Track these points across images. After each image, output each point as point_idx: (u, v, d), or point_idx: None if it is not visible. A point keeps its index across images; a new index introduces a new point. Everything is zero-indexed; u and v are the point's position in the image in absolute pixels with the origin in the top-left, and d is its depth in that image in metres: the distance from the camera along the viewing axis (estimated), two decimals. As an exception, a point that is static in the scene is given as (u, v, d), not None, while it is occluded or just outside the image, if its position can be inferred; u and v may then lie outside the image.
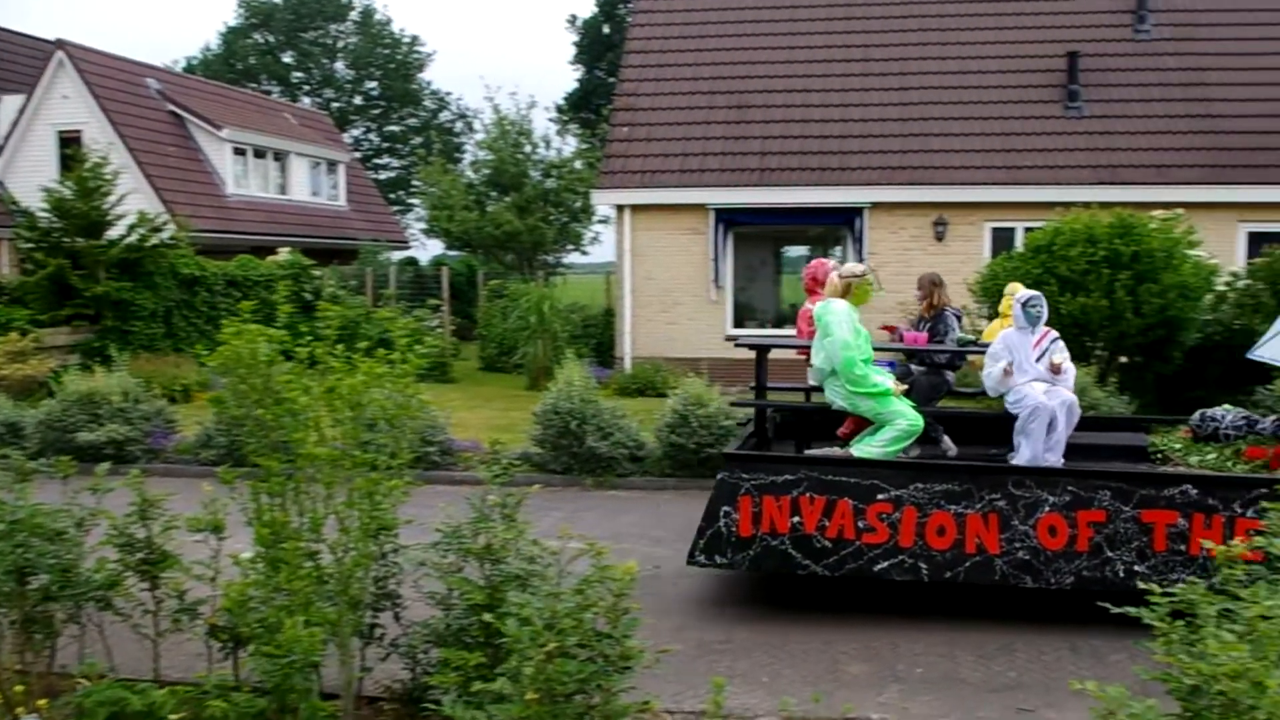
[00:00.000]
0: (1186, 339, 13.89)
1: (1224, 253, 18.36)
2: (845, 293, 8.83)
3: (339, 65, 62.68)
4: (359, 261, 28.86)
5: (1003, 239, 20.05)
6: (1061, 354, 8.97)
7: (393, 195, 58.35)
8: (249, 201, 31.09)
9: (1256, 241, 19.22)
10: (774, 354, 20.37)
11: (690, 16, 24.08)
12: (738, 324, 21.51)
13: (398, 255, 34.51)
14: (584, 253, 36.83)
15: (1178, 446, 9.22)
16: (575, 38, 53.73)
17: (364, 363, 5.25)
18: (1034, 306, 8.89)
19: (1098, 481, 7.53)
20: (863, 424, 8.95)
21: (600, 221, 34.29)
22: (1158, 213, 14.69)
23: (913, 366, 10.22)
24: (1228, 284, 14.59)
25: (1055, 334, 9.13)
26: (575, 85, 53.03)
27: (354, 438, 5.18)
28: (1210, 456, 8.72)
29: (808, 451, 9.07)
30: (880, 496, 7.71)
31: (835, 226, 21.42)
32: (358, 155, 49.58)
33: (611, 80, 37.45)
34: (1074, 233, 13.88)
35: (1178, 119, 20.86)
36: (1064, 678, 6.72)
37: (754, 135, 21.61)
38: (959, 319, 10.53)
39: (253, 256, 24.13)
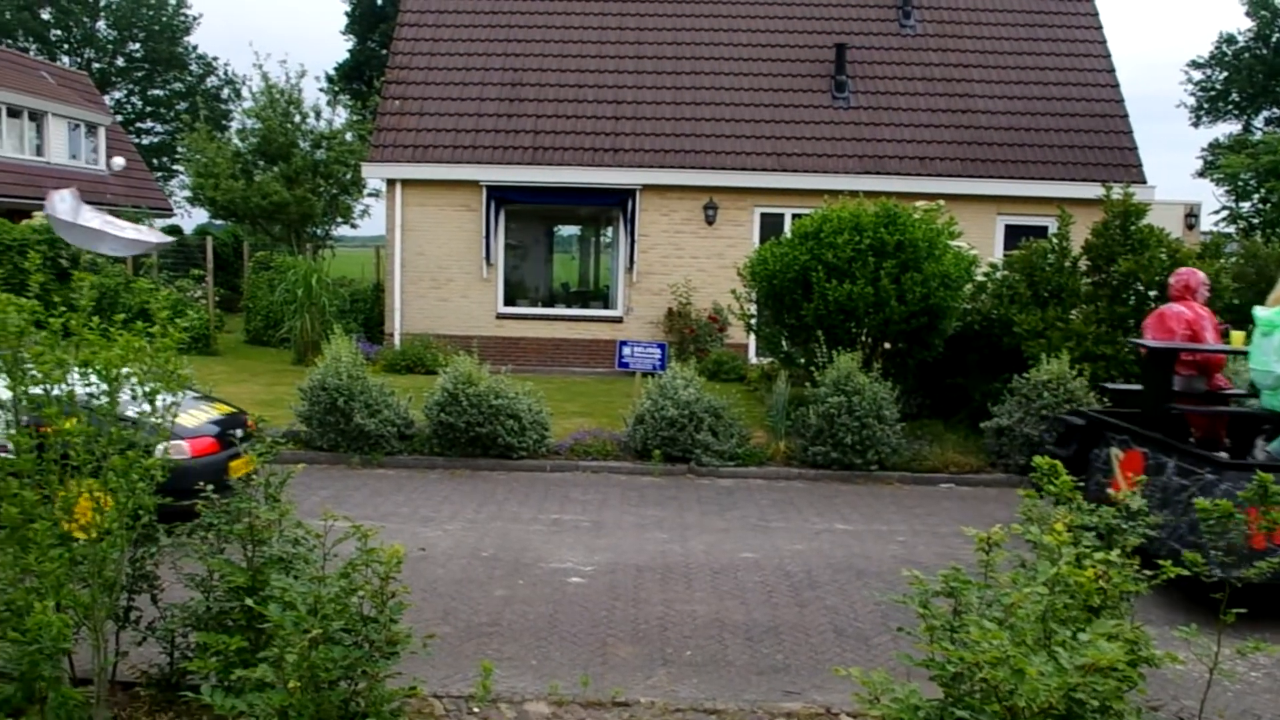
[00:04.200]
0: (947, 327, 14.40)
1: (983, 244, 19.41)
2: None
3: (100, 24, 59.45)
4: (120, 228, 27.37)
5: (772, 224, 20.64)
6: None
7: (156, 161, 55.80)
8: (2, 162, 29.22)
9: (1014, 233, 20.36)
10: (578, 334, 20.62)
11: (466, -9, 23.80)
12: (509, 302, 21.46)
13: (160, 223, 32.93)
14: (354, 226, 36.12)
15: None
16: (347, 8, 52.46)
17: (122, 335, 5.01)
18: None
19: None
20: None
21: (371, 195, 33.61)
22: (921, 203, 15.21)
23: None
24: (986, 274, 15.22)
25: None
26: (347, 56, 51.74)
27: (110, 413, 4.94)
28: None
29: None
30: None
31: (608, 207, 21.61)
32: (119, 119, 47.11)
33: (384, 52, 36.69)
34: (841, 221, 14.22)
35: (939, 113, 21.87)
36: (830, 661, 6.97)
37: (527, 114, 21.56)
38: None
39: (6, 220, 22.63)
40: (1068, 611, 4.16)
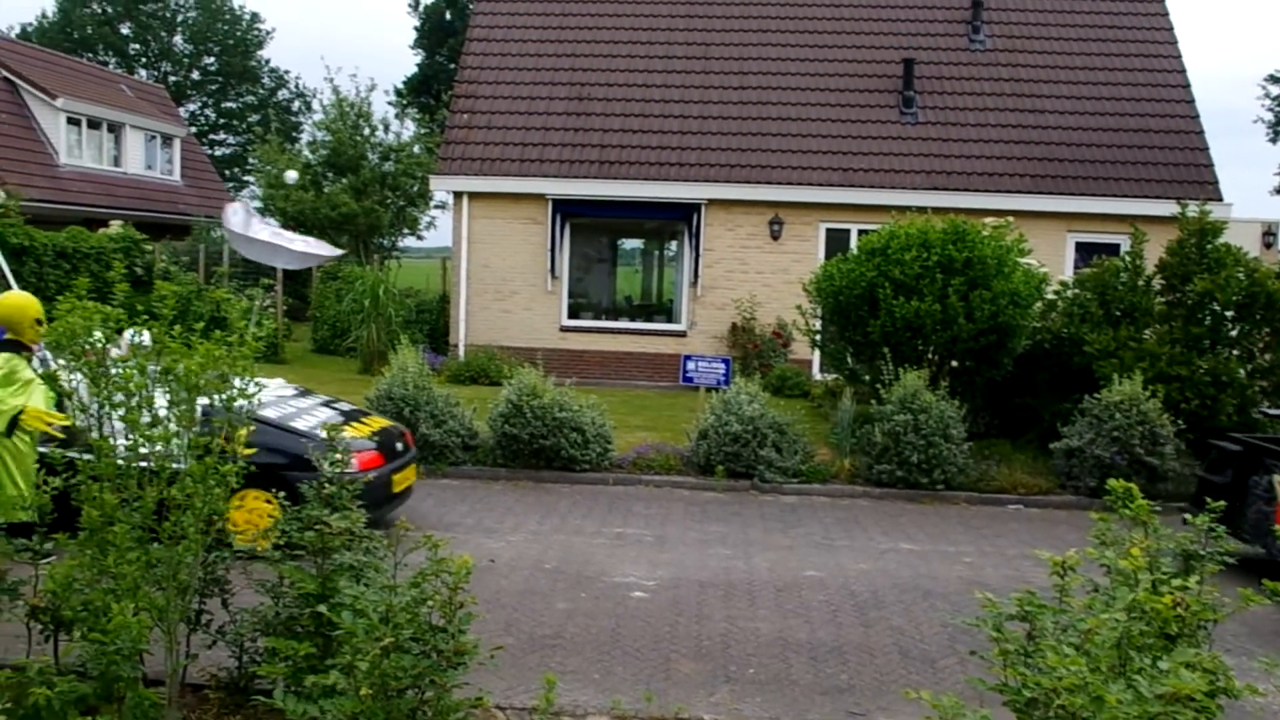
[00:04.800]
0: (1016, 346, 14.24)
1: (1053, 262, 19.12)
2: None
3: (177, 39, 61.19)
4: (192, 238, 28.03)
5: (838, 240, 20.51)
6: None
7: (228, 172, 56.93)
8: (82, 172, 29.99)
9: (1085, 251, 20.06)
10: (641, 348, 20.66)
11: (533, 7, 23.96)
12: (573, 315, 21.54)
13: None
14: (420, 237, 36.56)
15: None
16: (417, 22, 53.14)
17: (202, 344, 5.09)
18: None
19: None
20: None
21: (437, 207, 34.01)
22: (990, 220, 15.05)
23: None
24: (1057, 293, 15.03)
25: None
26: (416, 70, 52.36)
27: (190, 420, 5.01)
28: None
29: None
30: None
31: (673, 221, 21.61)
32: (193, 130, 48.19)
33: (452, 66, 37.12)
34: (909, 237, 14.11)
35: (1009, 128, 21.61)
36: (895, 682, 6.89)
37: (594, 128, 21.66)
38: None
39: (83, 228, 23.16)
40: (1144, 639, 4.07)
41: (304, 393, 10.69)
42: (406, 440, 10.56)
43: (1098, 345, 13.54)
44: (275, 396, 9.95)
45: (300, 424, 9.29)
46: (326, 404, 10.59)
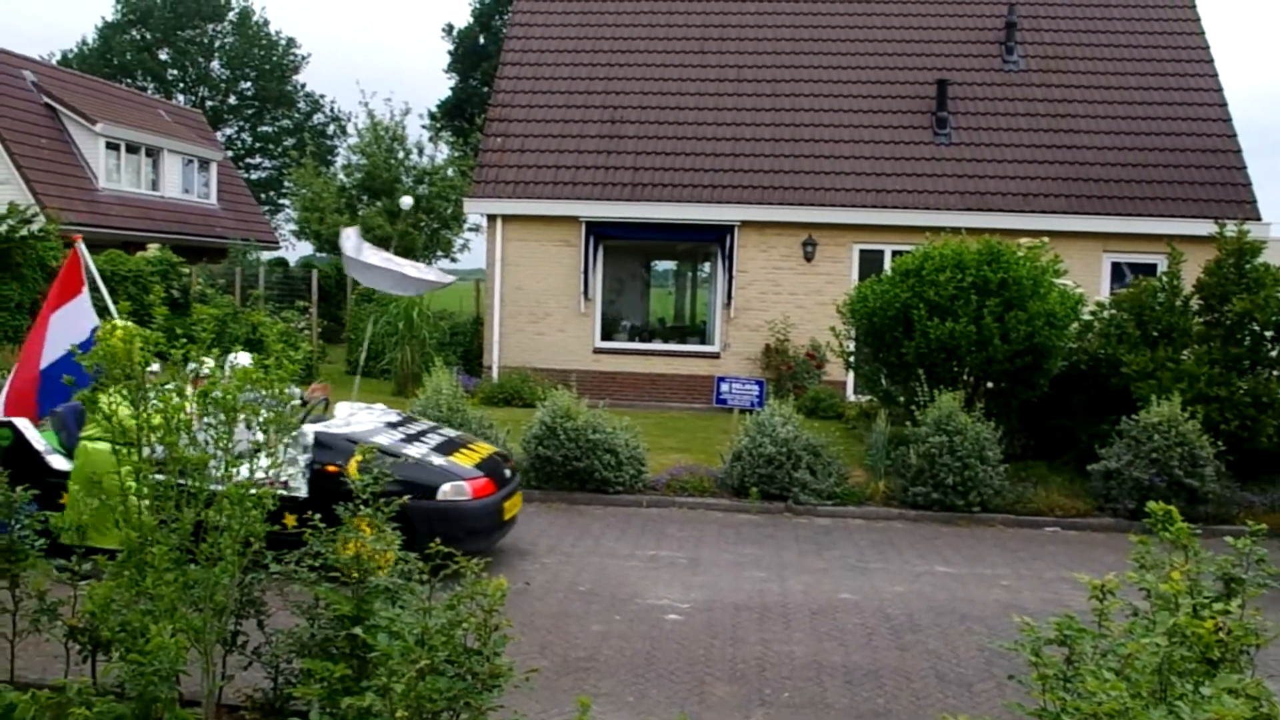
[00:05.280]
0: (1052, 367, 14.13)
1: (1089, 282, 18.98)
2: None
3: (215, 64, 62.28)
4: (228, 260, 28.37)
5: (871, 261, 20.45)
6: None
7: (264, 196, 57.69)
8: (120, 196, 30.52)
9: (1121, 271, 19.94)
10: (675, 369, 20.66)
11: (566, 31, 24.12)
12: (606, 337, 21.56)
13: (267, 255, 33.97)
14: (454, 260, 36.78)
15: None
16: (451, 47, 53.63)
17: (238, 367, 5.14)
18: None
19: None
20: None
21: (471, 229, 34.21)
22: (1025, 241, 14.97)
23: None
24: (1093, 313, 14.93)
25: None
26: (449, 93, 52.83)
27: (227, 442, 5.05)
28: None
29: None
30: None
31: (706, 243, 21.63)
32: (230, 154, 48.88)
33: (486, 90, 37.46)
34: (943, 258, 14.06)
35: (1043, 148, 21.51)
36: (932, 706, 6.82)
37: (627, 150, 21.72)
38: None
39: (122, 252, 23.46)
40: (1185, 664, 4.02)
41: (407, 419, 10.66)
42: (510, 466, 10.54)
43: (1135, 366, 13.42)
44: (382, 423, 9.96)
45: (412, 451, 9.29)
46: (431, 430, 10.57)
